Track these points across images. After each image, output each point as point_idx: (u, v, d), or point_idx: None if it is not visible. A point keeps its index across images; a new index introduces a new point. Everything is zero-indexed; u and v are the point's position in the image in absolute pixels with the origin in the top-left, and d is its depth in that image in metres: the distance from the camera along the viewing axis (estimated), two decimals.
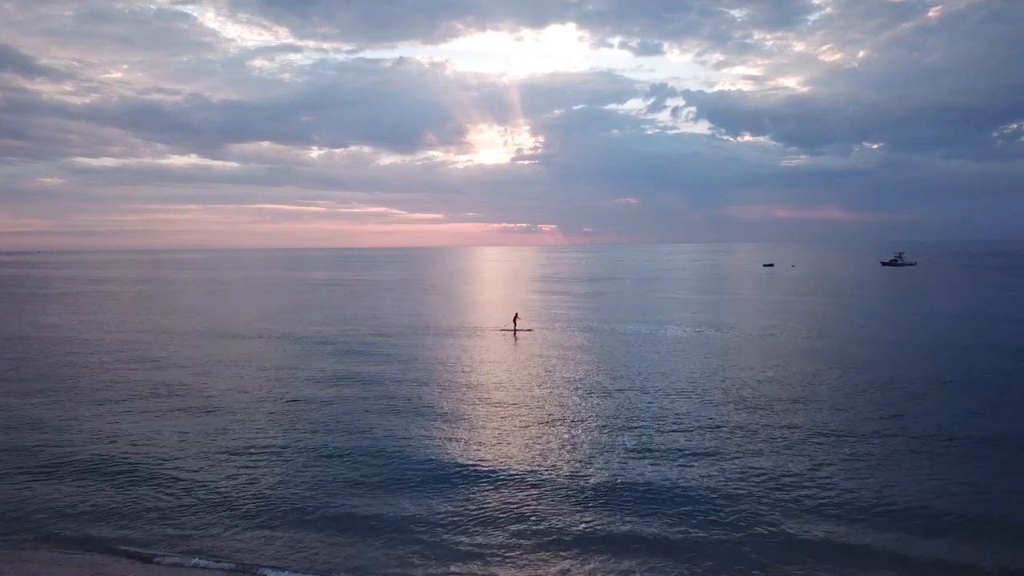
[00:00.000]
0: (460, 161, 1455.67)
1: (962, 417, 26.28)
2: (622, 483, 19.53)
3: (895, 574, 14.87)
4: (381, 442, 23.64)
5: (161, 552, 16.10)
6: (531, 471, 20.59)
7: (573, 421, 25.96)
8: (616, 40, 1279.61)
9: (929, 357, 39.52)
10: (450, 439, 23.99)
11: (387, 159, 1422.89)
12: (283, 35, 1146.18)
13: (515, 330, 51.18)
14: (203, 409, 28.44)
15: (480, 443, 23.50)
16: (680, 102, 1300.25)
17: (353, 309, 71.44)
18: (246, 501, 18.75)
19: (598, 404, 28.43)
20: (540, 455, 22.06)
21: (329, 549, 16.15)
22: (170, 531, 17.16)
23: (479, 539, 16.48)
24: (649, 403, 28.52)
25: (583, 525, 17.07)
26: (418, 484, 19.82)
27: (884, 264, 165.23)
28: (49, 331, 54.16)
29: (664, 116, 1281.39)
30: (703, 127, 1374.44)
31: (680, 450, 22.36)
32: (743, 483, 19.45)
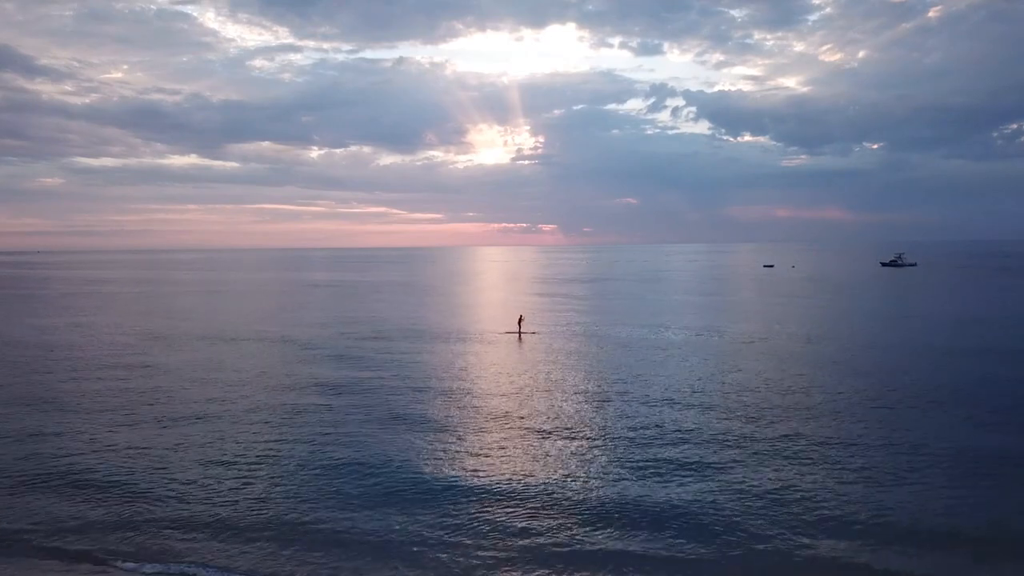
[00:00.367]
0: (460, 161, 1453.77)
1: (964, 429, 25.99)
2: (620, 498, 19.27)
3: None
4: (379, 453, 23.38)
5: (142, 562, 15.93)
6: (529, 485, 20.36)
7: (574, 432, 25.70)
8: (616, 40, 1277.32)
9: (930, 363, 39.28)
10: (450, 451, 23.68)
11: (387, 159, 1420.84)
12: (283, 35, 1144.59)
13: (520, 333, 51.17)
14: (196, 417, 28.16)
15: (479, 455, 23.23)
16: (680, 102, 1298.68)
17: (354, 312, 71.20)
18: (236, 513, 18.51)
19: (600, 415, 28.11)
20: (539, 468, 21.84)
21: (321, 562, 15.95)
22: (157, 542, 16.96)
23: (474, 554, 16.27)
24: (650, 413, 28.23)
25: (580, 541, 16.86)
26: (413, 497, 19.55)
27: (884, 265, 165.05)
28: (44, 335, 53.96)
29: (664, 116, 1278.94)
30: (703, 127, 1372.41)
31: (679, 463, 22.14)
32: (741, 498, 19.21)
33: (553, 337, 50.17)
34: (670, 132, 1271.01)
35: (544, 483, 20.27)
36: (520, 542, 16.80)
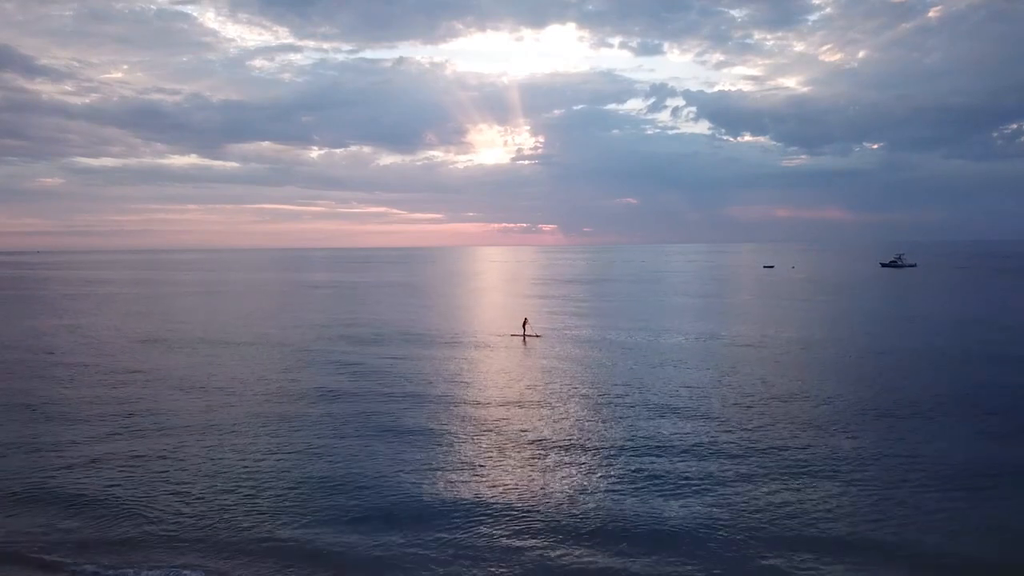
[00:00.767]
0: (460, 161, 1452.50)
1: (966, 442, 25.63)
2: (620, 516, 19.00)
3: None
4: (378, 467, 23.05)
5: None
6: (529, 501, 20.12)
7: (575, 445, 25.35)
8: (616, 40, 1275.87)
9: (931, 369, 39.10)
10: (450, 465, 23.33)
11: (387, 159, 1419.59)
12: (283, 35, 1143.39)
13: (524, 336, 51.17)
14: (190, 427, 27.79)
15: (479, 469, 22.90)
16: (680, 102, 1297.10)
17: (354, 314, 70.95)
18: (229, 528, 18.27)
19: (601, 426, 27.69)
20: (540, 484, 21.54)
21: None
22: (148, 556, 16.77)
23: (471, 573, 16.08)
24: (651, 424, 27.90)
25: (578, 560, 16.65)
26: (410, 513, 19.23)
27: (884, 265, 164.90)
28: (39, 338, 53.75)
29: (664, 116, 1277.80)
30: (703, 127, 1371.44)
31: (678, 477, 21.87)
32: (740, 514, 18.96)
33: (557, 340, 49.98)
34: (670, 132, 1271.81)
35: (543, 499, 20.03)
36: (518, 560, 16.59)
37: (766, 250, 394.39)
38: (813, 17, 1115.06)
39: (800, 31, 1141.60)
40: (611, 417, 28.54)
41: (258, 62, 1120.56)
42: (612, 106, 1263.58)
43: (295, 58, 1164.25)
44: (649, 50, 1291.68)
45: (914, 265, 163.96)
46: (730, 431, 26.31)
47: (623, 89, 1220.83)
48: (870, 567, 16.11)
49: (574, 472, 22.15)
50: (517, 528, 18.13)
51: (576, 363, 41.27)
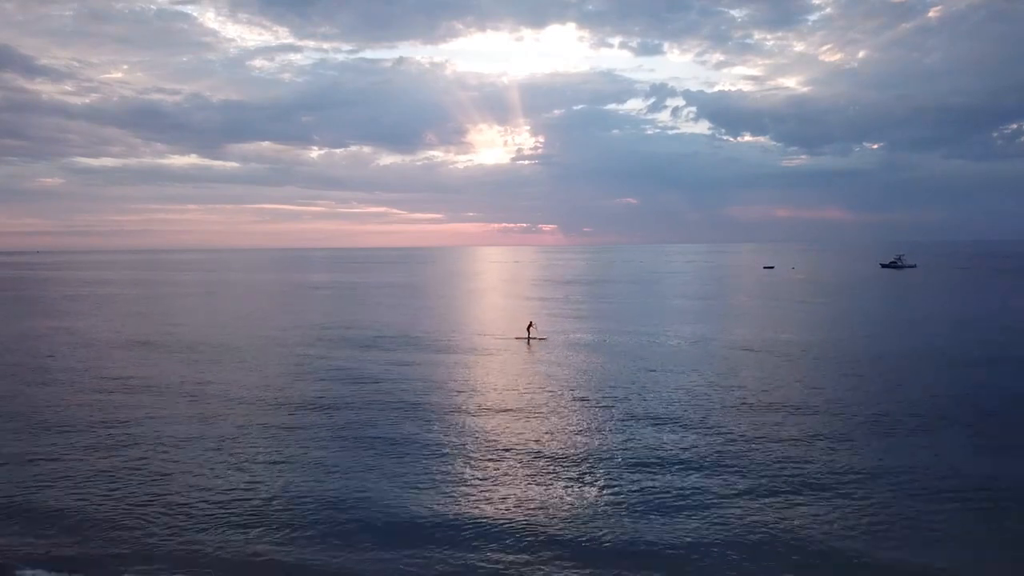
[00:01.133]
0: (460, 161, 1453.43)
1: (968, 453, 25.41)
2: (617, 535, 18.77)
3: None
4: (372, 482, 22.80)
5: None
6: (524, 519, 19.97)
7: (575, 458, 25.21)
8: (616, 40, 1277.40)
9: (932, 374, 38.94)
10: (448, 479, 23.11)
11: (387, 159, 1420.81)
12: (283, 35, 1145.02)
13: (529, 339, 51.47)
14: (185, 439, 27.53)
15: (479, 485, 22.72)
16: (680, 102, 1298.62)
17: (354, 317, 70.73)
18: (212, 547, 17.97)
19: (602, 438, 27.45)
20: (541, 500, 21.39)
21: None
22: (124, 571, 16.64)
23: None
24: (653, 436, 27.67)
25: None
26: (406, 532, 18.95)
27: (884, 266, 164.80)
28: (36, 342, 53.60)
29: (664, 116, 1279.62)
30: (703, 127, 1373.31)
31: (679, 494, 21.72)
32: (740, 534, 18.79)
33: (559, 344, 49.87)
34: (670, 132, 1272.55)
35: (539, 516, 19.86)
36: None
37: (766, 250, 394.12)
38: (813, 17, 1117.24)
39: (800, 31, 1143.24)
40: (612, 429, 28.09)
41: (258, 62, 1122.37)
42: (612, 106, 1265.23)
43: (295, 58, 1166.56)
44: (649, 50, 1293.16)
45: (914, 266, 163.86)
46: (731, 442, 26.01)
47: (623, 89, 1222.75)
48: None
49: (571, 488, 21.77)
50: (512, 545, 17.90)
51: (577, 370, 41.05)
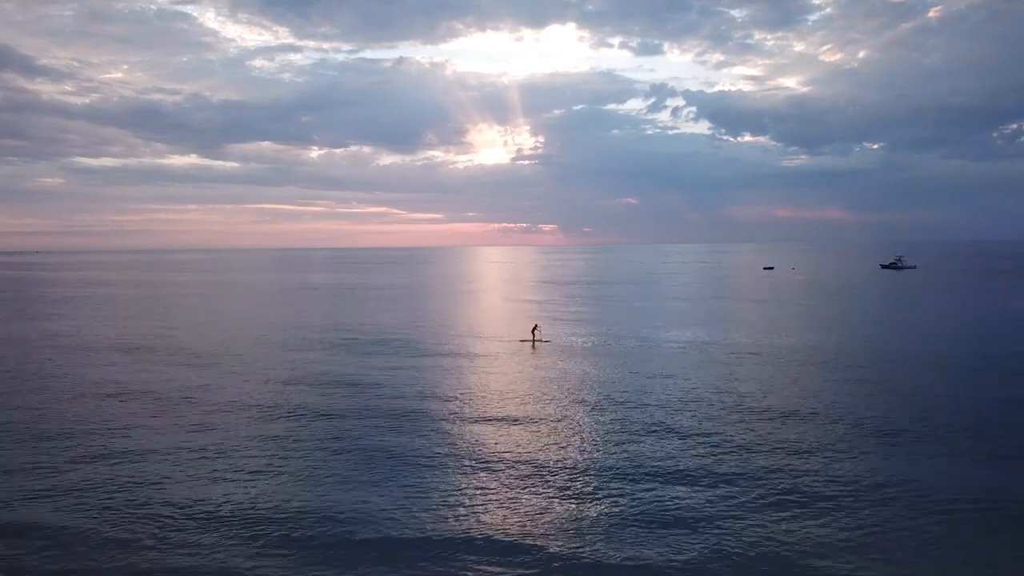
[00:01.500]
0: (460, 161, 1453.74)
1: (969, 465, 25.12)
2: (615, 550, 18.63)
3: None
4: (370, 495, 22.65)
5: None
6: (522, 533, 19.84)
7: (570, 468, 25.08)
8: (616, 40, 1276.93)
9: (932, 378, 38.72)
10: (446, 492, 22.94)
11: (387, 159, 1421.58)
12: (283, 35, 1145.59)
13: (534, 341, 51.88)
14: (177, 448, 27.35)
15: (480, 499, 22.63)
16: (680, 102, 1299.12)
17: (355, 319, 70.52)
18: (204, 561, 17.78)
19: (603, 448, 27.36)
20: (541, 517, 21.29)
21: None
22: None
23: None
24: (653, 445, 27.53)
25: None
26: (399, 547, 18.76)
27: (884, 267, 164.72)
28: (33, 345, 53.51)
29: (664, 116, 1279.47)
30: (703, 127, 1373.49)
31: (675, 507, 21.64)
32: (736, 549, 18.73)
33: (560, 348, 49.80)
34: (670, 132, 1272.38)
35: (536, 530, 19.77)
36: None
37: (766, 250, 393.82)
38: (813, 17, 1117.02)
39: (800, 31, 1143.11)
40: (612, 440, 27.73)
41: (258, 62, 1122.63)
42: (612, 106, 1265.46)
43: (295, 58, 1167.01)
44: (649, 50, 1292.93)
45: (914, 267, 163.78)
46: (729, 452, 25.82)
47: (623, 89, 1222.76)
48: None
49: (569, 501, 21.52)
50: (511, 561, 17.81)
51: (580, 375, 40.91)
